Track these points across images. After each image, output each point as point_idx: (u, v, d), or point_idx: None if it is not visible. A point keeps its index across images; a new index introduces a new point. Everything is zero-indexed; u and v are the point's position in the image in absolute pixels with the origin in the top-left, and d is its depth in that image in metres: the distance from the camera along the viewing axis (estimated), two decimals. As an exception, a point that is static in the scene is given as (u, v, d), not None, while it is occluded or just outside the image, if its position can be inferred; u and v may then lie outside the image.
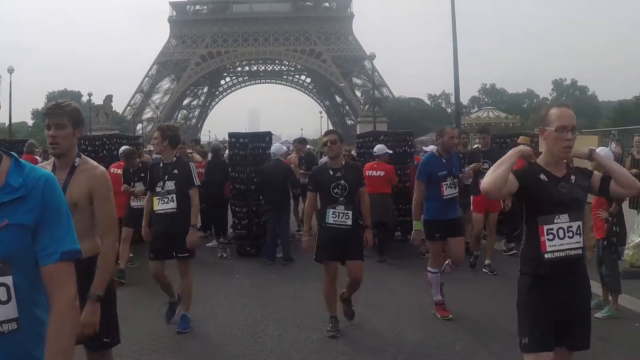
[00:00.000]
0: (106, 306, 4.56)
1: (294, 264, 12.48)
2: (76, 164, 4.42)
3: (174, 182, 7.96)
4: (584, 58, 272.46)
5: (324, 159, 16.60)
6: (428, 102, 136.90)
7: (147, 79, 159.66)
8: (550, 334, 4.25)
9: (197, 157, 14.46)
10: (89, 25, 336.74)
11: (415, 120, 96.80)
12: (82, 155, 4.51)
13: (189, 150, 13.96)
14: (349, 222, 7.76)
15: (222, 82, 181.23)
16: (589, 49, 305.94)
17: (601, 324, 7.77)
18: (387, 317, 8.46)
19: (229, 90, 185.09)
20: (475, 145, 13.39)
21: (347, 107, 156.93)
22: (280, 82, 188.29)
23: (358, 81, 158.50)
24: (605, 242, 8.60)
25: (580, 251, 4.27)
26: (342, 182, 7.75)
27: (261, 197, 13.45)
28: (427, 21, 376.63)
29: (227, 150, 15.63)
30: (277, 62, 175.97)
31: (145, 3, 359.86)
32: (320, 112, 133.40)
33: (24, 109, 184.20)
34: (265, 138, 14.42)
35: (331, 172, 7.86)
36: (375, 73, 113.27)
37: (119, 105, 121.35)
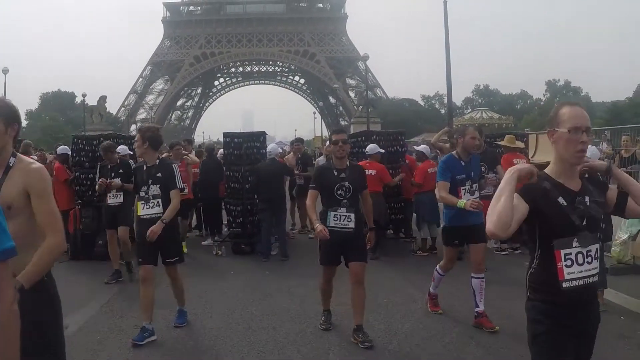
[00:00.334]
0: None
1: (287, 261, 12.75)
2: (11, 164, 3.97)
3: (158, 185, 7.80)
4: (577, 59, 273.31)
5: (321, 158, 16.85)
6: (422, 103, 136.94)
7: (140, 79, 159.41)
8: None
9: (194, 158, 14.59)
10: (83, 26, 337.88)
11: (409, 121, 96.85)
12: (18, 154, 4.08)
13: (184, 152, 14.10)
14: (352, 225, 7.52)
15: (216, 83, 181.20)
16: (583, 50, 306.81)
17: None
18: (378, 311, 8.63)
19: (223, 91, 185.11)
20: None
21: (340, 108, 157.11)
22: (274, 83, 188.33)
23: (352, 82, 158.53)
24: None
25: (597, 277, 3.81)
26: (347, 183, 7.54)
27: (256, 196, 13.61)
28: (421, 22, 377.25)
29: (220, 150, 15.84)
30: (270, 63, 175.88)
31: (139, 4, 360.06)
32: (314, 113, 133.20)
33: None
34: (259, 138, 14.61)
35: (335, 173, 7.63)
36: (369, 74, 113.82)
37: (112, 106, 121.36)
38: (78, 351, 7.12)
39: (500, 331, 7.75)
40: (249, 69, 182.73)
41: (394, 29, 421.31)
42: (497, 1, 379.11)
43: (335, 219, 7.50)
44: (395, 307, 9.04)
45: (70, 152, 13.77)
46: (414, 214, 13.76)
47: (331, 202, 7.56)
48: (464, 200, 7.80)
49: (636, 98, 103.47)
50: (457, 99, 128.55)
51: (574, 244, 3.67)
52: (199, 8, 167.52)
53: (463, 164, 8.16)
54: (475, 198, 8.05)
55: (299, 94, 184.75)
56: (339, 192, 7.51)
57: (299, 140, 17.71)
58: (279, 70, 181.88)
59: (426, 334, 7.78)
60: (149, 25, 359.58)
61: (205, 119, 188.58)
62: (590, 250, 3.71)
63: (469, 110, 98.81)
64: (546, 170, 3.81)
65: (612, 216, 9.06)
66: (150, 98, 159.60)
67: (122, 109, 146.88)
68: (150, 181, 7.80)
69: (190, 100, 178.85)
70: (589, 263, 3.71)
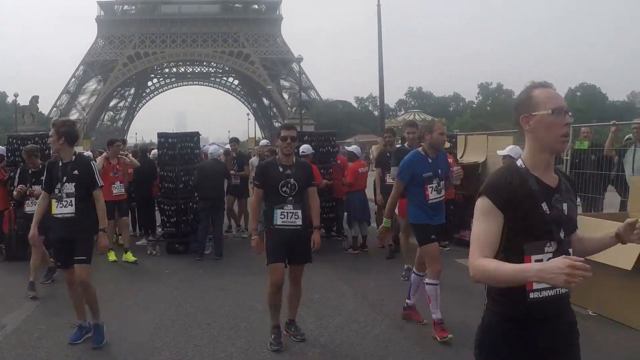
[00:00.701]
0: None
1: (221, 260, 12.94)
2: None
3: (73, 184, 7.27)
4: (509, 61, 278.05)
5: (253, 159, 17.04)
6: (355, 105, 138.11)
7: (73, 79, 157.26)
8: None
9: (135, 161, 14.28)
10: (14, 24, 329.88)
11: (342, 122, 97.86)
12: None
13: (123, 153, 14.05)
14: (299, 221, 7.27)
15: (150, 83, 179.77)
16: (514, 51, 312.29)
17: None
18: (309, 306, 8.84)
19: (156, 91, 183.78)
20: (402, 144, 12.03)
21: (274, 110, 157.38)
22: (207, 84, 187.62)
23: (286, 84, 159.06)
24: None
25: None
26: (292, 180, 7.26)
27: (196, 194, 13.77)
28: (356, 25, 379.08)
29: (153, 150, 15.90)
30: (205, 63, 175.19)
31: (73, 2, 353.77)
32: (248, 115, 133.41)
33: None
34: (193, 138, 14.71)
35: (281, 169, 7.31)
36: (303, 76, 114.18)
37: (44, 107, 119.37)
38: (17, 349, 7.27)
39: (428, 323, 8.12)
40: (182, 69, 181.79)
41: (328, 32, 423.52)
42: (430, 5, 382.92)
43: (282, 216, 7.25)
44: (326, 302, 9.30)
45: (5, 152, 13.70)
46: (345, 213, 14.08)
47: (276, 200, 7.28)
48: (389, 221, 8.12)
49: (566, 101, 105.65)
50: (391, 101, 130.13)
51: (547, 248, 3.23)
52: (134, 7, 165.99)
53: (430, 161, 7.75)
54: (441, 197, 7.85)
55: (233, 96, 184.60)
56: (284, 189, 7.24)
57: (234, 140, 17.84)
58: (213, 71, 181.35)
59: (356, 327, 8.06)
60: (83, 24, 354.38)
61: (138, 120, 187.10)
62: (554, 255, 3.16)
63: (402, 112, 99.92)
64: (520, 162, 3.34)
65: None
66: (82, 98, 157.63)
67: (55, 109, 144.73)
68: (65, 179, 7.29)
69: (123, 101, 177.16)
70: None
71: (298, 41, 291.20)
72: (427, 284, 7.70)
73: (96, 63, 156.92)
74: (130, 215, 15.20)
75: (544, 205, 3.22)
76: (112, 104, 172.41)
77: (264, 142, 20.77)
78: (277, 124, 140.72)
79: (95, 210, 7.38)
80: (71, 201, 7.26)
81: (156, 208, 15.04)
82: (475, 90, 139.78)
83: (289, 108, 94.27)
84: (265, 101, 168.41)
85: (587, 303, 8.41)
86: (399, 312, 8.55)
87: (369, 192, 14.76)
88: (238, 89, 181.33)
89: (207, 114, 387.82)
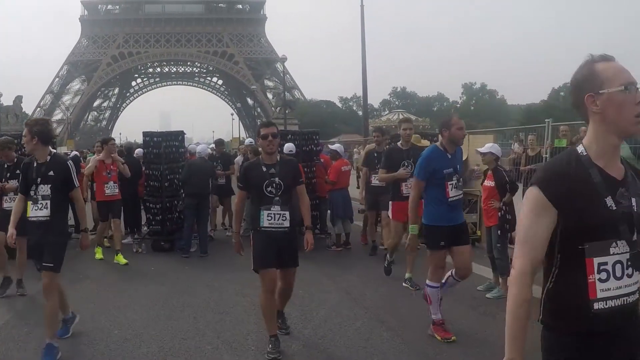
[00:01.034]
0: None
1: (206, 257, 13.15)
2: None
3: (49, 185, 6.91)
4: (493, 62, 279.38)
5: (238, 158, 17.19)
6: (339, 105, 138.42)
7: (57, 79, 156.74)
8: None
9: (127, 170, 14.08)
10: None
11: (327, 122, 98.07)
12: None
13: (119, 159, 13.90)
14: (287, 223, 6.93)
15: (133, 83, 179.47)
16: (499, 53, 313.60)
17: (490, 303, 8.95)
18: (294, 301, 8.80)
19: (140, 91, 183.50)
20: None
21: (258, 110, 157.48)
22: (192, 84, 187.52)
23: (270, 83, 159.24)
24: (498, 230, 9.34)
25: (638, 294, 2.87)
26: (277, 179, 6.92)
27: (182, 191, 13.97)
28: (340, 25, 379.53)
29: (138, 149, 16.01)
30: (189, 63, 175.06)
31: (56, 2, 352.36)
32: (232, 115, 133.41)
33: None
34: (178, 137, 14.92)
35: (264, 169, 6.99)
36: (287, 75, 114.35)
37: (28, 107, 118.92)
38: (7, 344, 7.46)
39: (407, 314, 8.39)
40: (167, 69, 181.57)
41: (313, 32, 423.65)
42: (415, 6, 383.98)
43: (269, 218, 6.90)
44: (310, 298, 9.48)
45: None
46: (329, 211, 14.27)
47: (262, 201, 6.94)
48: (417, 226, 7.53)
49: (550, 101, 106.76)
50: (375, 101, 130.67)
51: (613, 250, 2.77)
52: (118, 7, 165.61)
53: (449, 156, 7.38)
54: (461, 194, 7.58)
55: (217, 96, 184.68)
56: (269, 189, 6.90)
57: (219, 143, 17.97)
58: (197, 71, 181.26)
59: (339, 320, 8.26)
60: (67, 23, 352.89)
61: (122, 120, 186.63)
62: (630, 259, 2.79)
63: (386, 112, 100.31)
64: (582, 148, 2.89)
65: (514, 208, 9.75)
66: (66, 98, 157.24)
67: (38, 109, 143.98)
68: (39, 180, 6.93)
69: (107, 101, 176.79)
70: (628, 276, 2.80)
71: (282, 41, 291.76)
72: (428, 285, 7.51)
73: (80, 63, 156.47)
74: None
75: (609, 200, 2.76)
76: (96, 104, 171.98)
77: (248, 141, 20.91)
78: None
79: (64, 215, 7.21)
80: (46, 204, 6.91)
81: (141, 207, 15.13)
82: (459, 90, 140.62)
83: (273, 108, 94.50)
84: (250, 101, 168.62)
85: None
86: (381, 306, 8.80)
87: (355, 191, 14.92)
88: (222, 89, 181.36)
89: (192, 114, 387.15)
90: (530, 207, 2.81)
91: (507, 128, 32.34)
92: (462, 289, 9.07)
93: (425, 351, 7.01)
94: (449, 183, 7.30)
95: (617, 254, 2.76)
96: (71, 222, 15.37)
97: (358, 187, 16.92)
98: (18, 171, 8.61)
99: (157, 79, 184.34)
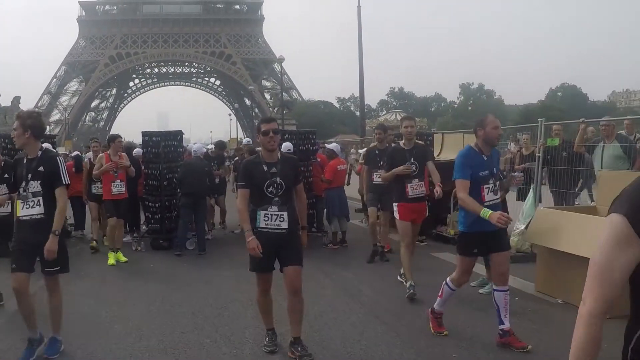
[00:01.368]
0: None
1: (204, 255, 13.32)
2: None
3: (39, 182, 6.57)
4: (491, 62, 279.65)
5: (237, 159, 17.32)
6: (337, 105, 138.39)
7: (55, 80, 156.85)
8: None
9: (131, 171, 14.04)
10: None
11: (324, 122, 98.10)
12: None
13: (125, 164, 13.87)
14: (285, 225, 6.59)
15: (131, 84, 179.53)
16: (496, 53, 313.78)
17: (484, 298, 9.05)
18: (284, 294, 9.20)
19: (138, 92, 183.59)
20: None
21: (256, 110, 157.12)
22: (189, 84, 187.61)
23: (267, 84, 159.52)
24: None
25: None
26: (278, 179, 6.59)
27: (179, 190, 14.08)
28: (338, 25, 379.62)
29: (136, 149, 16.16)
30: (186, 64, 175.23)
31: (54, 2, 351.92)
32: (230, 115, 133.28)
33: None
34: (176, 137, 15.14)
35: (265, 167, 6.63)
36: (285, 76, 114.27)
37: (26, 107, 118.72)
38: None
39: (402, 309, 8.59)
40: (164, 70, 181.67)
41: (310, 31, 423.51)
42: (412, 7, 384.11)
43: (266, 219, 6.58)
44: (306, 293, 9.49)
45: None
46: (325, 209, 14.43)
47: (261, 201, 6.62)
48: (490, 211, 6.62)
49: (548, 101, 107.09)
50: (372, 102, 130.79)
51: None
52: (115, 7, 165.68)
53: (485, 158, 7.00)
54: (497, 199, 7.13)
55: (215, 96, 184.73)
56: (269, 190, 6.56)
57: (218, 145, 17.97)
58: (194, 71, 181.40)
59: (334, 315, 8.44)
60: (65, 24, 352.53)
61: (120, 120, 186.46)
62: None
63: (383, 113, 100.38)
64: None
65: (508, 207, 9.92)
66: (64, 99, 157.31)
67: (36, 109, 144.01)
68: (29, 176, 6.60)
69: (105, 102, 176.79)
70: None
71: (280, 42, 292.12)
72: (446, 284, 7.32)
73: (78, 63, 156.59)
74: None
75: None
76: (93, 104, 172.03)
77: (246, 140, 21.06)
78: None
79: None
80: (39, 201, 6.56)
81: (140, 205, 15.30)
82: (456, 91, 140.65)
83: (270, 108, 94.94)
84: (247, 101, 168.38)
85: (556, 292, 8.84)
86: (376, 301, 8.99)
87: (354, 190, 15.02)
88: (220, 89, 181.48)
89: (189, 114, 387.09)
90: (612, 236, 2.35)
91: (502, 127, 32.61)
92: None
93: (418, 344, 7.17)
94: (484, 187, 6.92)
95: None
96: (71, 220, 15.76)
97: (349, 185, 17.08)
98: (7, 175, 7.92)
99: (155, 80, 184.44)
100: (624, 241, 2.29)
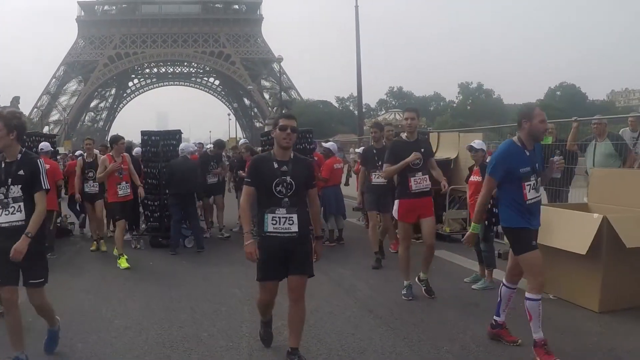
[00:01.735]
0: None
1: (203, 252, 13.49)
2: None
3: (20, 186, 6.17)
4: (490, 62, 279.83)
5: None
6: (336, 105, 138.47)
7: (54, 80, 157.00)
8: None
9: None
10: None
11: (323, 122, 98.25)
12: None
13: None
14: (295, 228, 6.14)
15: (130, 83, 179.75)
16: (496, 52, 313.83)
17: (477, 293, 9.36)
18: (286, 293, 9.27)
19: (137, 92, 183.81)
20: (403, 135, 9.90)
21: (255, 110, 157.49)
22: (188, 84, 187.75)
23: (266, 84, 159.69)
24: (486, 223, 9.49)
25: None
26: (288, 178, 6.15)
27: (167, 191, 14.21)
28: (337, 25, 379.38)
29: (136, 149, 16.33)
30: (185, 64, 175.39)
31: (53, 2, 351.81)
32: (229, 115, 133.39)
33: None
34: (175, 136, 15.30)
35: (276, 165, 6.21)
36: (284, 76, 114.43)
37: (25, 107, 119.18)
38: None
39: (396, 305, 8.77)
40: (163, 70, 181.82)
41: (309, 31, 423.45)
42: (412, 6, 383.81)
43: (274, 222, 6.15)
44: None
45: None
46: (322, 208, 14.50)
47: (268, 202, 6.19)
48: (479, 226, 6.83)
49: (547, 100, 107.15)
50: (371, 101, 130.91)
51: None
52: (114, 7, 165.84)
53: (527, 153, 6.46)
54: (538, 196, 6.61)
55: (214, 96, 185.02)
56: (278, 189, 6.14)
57: (217, 145, 18.02)
58: (193, 71, 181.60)
59: (329, 310, 8.60)
60: (64, 24, 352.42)
61: (119, 120, 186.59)
62: None
63: (382, 112, 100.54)
64: None
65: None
66: (63, 99, 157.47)
67: (35, 110, 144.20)
68: (10, 180, 6.16)
69: (104, 102, 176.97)
70: None
71: (279, 41, 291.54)
72: (527, 299, 6.52)
73: (77, 63, 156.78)
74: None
75: None
76: (92, 104, 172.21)
77: (243, 141, 21.19)
78: (258, 124, 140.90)
79: (45, 220, 6.37)
80: (19, 207, 6.15)
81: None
82: (455, 90, 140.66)
83: (269, 108, 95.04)
84: (246, 101, 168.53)
85: (547, 287, 8.99)
86: (370, 297, 9.17)
87: (352, 189, 15.13)
88: (219, 89, 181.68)
89: (188, 114, 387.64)
90: None
91: (499, 125, 32.76)
92: (449, 281, 9.55)
93: (410, 337, 7.33)
94: (526, 184, 6.41)
95: None
96: (71, 219, 15.94)
97: (347, 185, 17.25)
98: None
99: (154, 80, 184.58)
100: None
